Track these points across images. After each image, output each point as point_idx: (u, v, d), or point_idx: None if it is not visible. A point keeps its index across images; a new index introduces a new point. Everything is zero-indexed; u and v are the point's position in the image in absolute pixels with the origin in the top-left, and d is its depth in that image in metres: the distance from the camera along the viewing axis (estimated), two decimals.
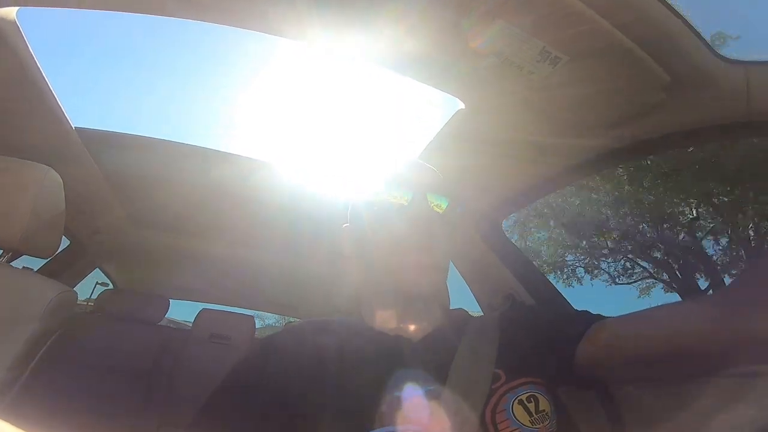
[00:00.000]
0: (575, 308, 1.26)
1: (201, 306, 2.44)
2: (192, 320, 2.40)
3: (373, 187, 0.76)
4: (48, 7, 0.86)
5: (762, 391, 0.56)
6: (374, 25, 0.74)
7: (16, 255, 0.97)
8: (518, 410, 0.62)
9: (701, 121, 0.77)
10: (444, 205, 0.73)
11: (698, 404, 0.67)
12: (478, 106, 0.92)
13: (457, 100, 0.93)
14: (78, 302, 1.34)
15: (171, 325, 3.54)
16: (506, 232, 1.44)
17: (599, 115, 0.83)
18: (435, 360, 0.67)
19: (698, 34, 0.64)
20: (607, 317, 0.71)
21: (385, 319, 0.74)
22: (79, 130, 1.24)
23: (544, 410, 0.63)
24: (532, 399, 0.64)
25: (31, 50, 0.92)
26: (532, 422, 0.61)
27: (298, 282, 2.39)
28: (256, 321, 2.50)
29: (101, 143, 1.33)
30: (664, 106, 0.77)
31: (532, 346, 0.71)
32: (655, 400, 0.86)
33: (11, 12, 0.82)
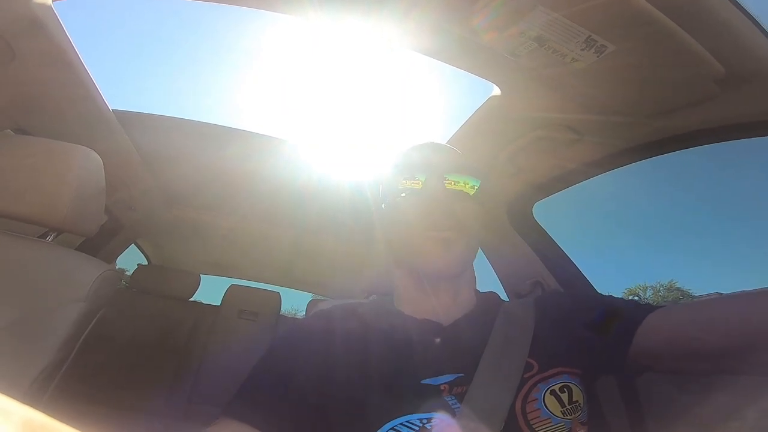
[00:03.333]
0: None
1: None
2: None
3: (391, 172, 0.76)
4: None
5: None
6: (408, 9, 0.73)
7: (61, 234, 1.01)
8: (550, 400, 0.61)
9: (755, 115, 0.72)
10: (470, 184, 0.72)
11: (722, 400, 0.64)
12: (515, 91, 0.90)
13: (493, 85, 0.90)
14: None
15: None
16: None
17: (643, 104, 0.80)
18: (465, 346, 0.67)
19: (759, 25, 0.60)
20: (664, 306, 0.68)
21: (415, 303, 0.74)
22: (116, 111, 1.27)
23: (577, 401, 0.62)
24: (565, 389, 0.62)
25: (69, 36, 0.94)
26: (563, 413, 0.60)
27: (325, 260, 2.43)
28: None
29: (137, 124, 1.37)
30: (715, 99, 0.73)
31: (569, 334, 0.69)
32: (678, 391, 0.85)
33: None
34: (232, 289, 2.43)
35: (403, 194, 0.72)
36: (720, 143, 0.83)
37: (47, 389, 0.82)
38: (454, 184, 0.71)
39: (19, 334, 0.77)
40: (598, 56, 0.67)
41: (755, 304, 0.60)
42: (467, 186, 0.72)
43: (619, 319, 0.68)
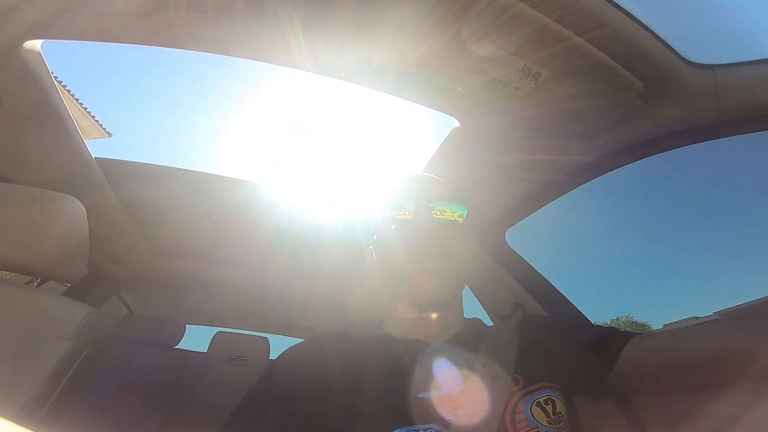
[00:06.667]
0: (586, 318, 1.29)
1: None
2: None
3: (380, 205, 0.79)
4: (71, 40, 0.87)
5: None
6: (368, 50, 0.79)
7: (45, 280, 1.02)
8: (536, 411, 0.65)
9: (679, 123, 0.80)
10: (458, 212, 0.75)
11: (715, 409, 0.69)
12: (473, 122, 0.97)
13: (453, 118, 0.97)
14: None
15: None
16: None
17: (585, 123, 0.87)
18: (456, 363, 0.70)
19: (665, 42, 0.69)
20: (638, 333, 0.77)
21: (405, 328, 0.77)
22: (98, 160, 1.30)
23: (560, 413, 0.67)
24: (549, 402, 0.67)
25: (54, 82, 0.97)
26: (549, 422, 0.65)
27: (313, 305, 2.42)
28: None
29: (119, 173, 1.39)
30: (642, 112, 0.81)
31: (550, 354, 0.75)
32: (674, 406, 0.88)
33: (36, 44, 0.86)
34: (218, 336, 2.38)
35: (393, 226, 0.74)
36: (670, 152, 0.91)
37: (33, 419, 0.81)
38: (441, 214, 0.73)
39: (4, 368, 0.77)
40: (535, 83, 0.75)
41: (712, 332, 0.72)
42: (455, 215, 0.74)
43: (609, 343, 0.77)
